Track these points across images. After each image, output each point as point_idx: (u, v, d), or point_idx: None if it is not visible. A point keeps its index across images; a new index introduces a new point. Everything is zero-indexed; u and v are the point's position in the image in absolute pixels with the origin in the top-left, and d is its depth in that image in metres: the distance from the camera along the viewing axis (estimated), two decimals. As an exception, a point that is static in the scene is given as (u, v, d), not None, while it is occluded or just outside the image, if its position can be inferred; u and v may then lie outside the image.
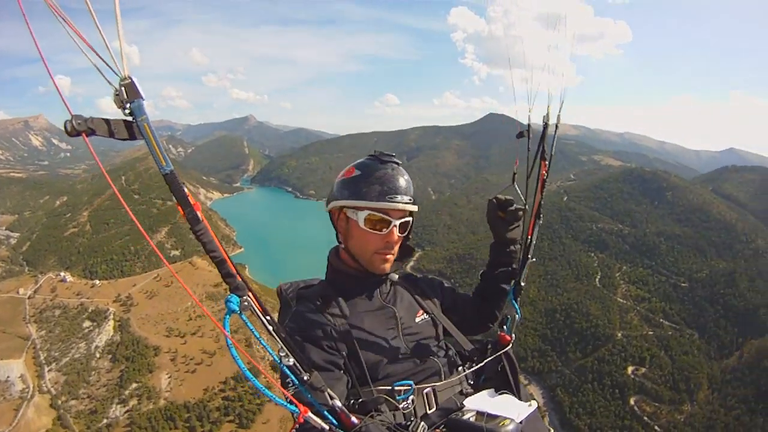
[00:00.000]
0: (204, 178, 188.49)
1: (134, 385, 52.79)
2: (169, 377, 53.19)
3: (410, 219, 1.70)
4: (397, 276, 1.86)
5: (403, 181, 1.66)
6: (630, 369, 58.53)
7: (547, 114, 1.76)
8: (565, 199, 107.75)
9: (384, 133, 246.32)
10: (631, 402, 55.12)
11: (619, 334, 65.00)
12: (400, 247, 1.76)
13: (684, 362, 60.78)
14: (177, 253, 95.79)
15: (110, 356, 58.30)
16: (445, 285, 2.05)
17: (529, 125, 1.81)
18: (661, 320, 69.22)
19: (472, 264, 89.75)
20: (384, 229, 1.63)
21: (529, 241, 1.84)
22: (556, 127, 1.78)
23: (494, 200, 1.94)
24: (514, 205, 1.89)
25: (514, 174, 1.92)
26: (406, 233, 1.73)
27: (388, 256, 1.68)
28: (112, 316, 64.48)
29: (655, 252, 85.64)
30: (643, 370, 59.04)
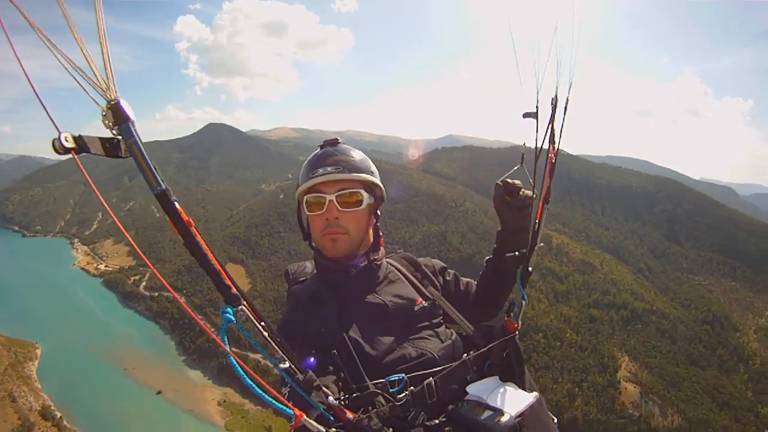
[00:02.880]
0: None
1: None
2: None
3: (356, 190, 1.58)
4: (393, 261, 1.79)
5: (329, 154, 1.59)
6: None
7: (556, 97, 1.64)
8: (281, 197, 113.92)
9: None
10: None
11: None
12: (373, 229, 1.72)
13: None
14: None
15: None
16: (448, 269, 1.96)
17: (537, 107, 1.66)
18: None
19: (200, 273, 72.65)
20: (322, 207, 1.56)
21: (537, 225, 1.69)
22: (566, 107, 1.64)
23: (501, 184, 1.73)
24: (523, 190, 1.70)
25: (522, 155, 1.73)
26: (361, 207, 1.60)
27: (334, 235, 1.57)
28: None
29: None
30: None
